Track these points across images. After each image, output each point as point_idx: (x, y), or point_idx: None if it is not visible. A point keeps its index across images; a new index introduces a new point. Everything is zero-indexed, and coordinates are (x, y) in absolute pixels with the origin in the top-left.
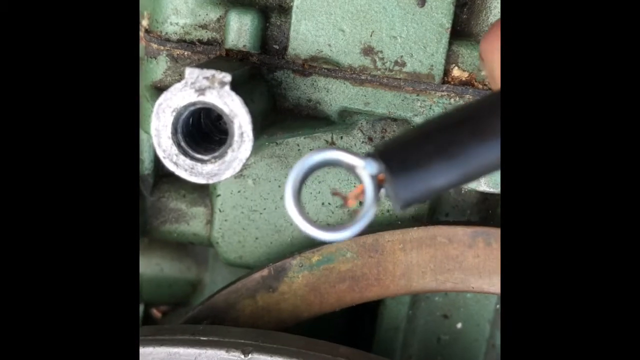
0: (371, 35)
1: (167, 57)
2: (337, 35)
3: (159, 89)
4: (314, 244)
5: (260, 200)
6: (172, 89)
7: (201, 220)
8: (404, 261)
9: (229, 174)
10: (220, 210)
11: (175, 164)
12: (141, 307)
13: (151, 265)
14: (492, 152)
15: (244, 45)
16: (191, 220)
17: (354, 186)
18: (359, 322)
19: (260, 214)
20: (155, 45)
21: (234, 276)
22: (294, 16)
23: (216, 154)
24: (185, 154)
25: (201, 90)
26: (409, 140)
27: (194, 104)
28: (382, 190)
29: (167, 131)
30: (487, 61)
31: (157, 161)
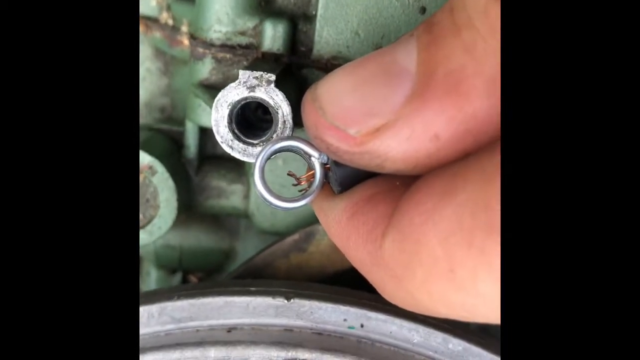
0: (382, 38)
1: (212, 59)
2: (354, 38)
3: (206, 86)
4: None
5: (287, 177)
6: (228, 87)
7: (239, 196)
8: None
9: None
10: None
11: (231, 147)
12: (180, 275)
13: (189, 238)
14: None
15: (277, 49)
16: (231, 196)
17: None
18: None
19: (288, 188)
20: (201, 50)
21: (263, 244)
22: (317, 23)
23: (263, 138)
24: (239, 139)
25: (251, 88)
26: None
27: (245, 98)
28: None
29: (224, 121)
30: None
31: (200, 146)
